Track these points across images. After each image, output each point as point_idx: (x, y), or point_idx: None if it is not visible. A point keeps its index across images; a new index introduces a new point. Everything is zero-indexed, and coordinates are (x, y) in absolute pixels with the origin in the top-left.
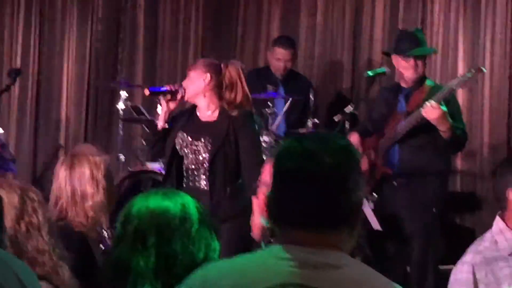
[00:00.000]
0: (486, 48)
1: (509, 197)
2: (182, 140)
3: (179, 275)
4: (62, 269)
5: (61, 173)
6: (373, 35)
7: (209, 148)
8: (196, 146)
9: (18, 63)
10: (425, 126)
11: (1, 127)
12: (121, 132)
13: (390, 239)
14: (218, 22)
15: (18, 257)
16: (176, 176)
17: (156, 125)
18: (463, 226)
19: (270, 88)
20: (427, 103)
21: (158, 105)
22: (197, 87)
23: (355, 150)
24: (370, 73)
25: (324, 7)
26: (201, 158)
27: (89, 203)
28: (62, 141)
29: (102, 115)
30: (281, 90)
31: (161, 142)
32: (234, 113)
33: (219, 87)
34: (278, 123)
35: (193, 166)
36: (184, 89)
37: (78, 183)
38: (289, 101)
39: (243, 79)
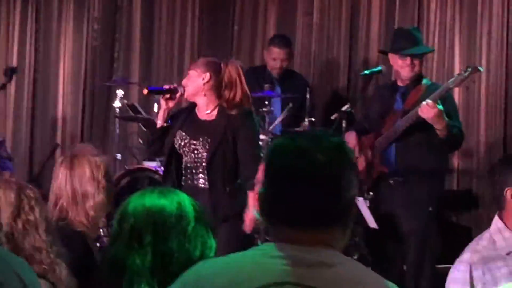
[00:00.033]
0: (482, 47)
1: (508, 196)
2: (180, 138)
3: (175, 273)
4: (59, 267)
5: (61, 173)
6: (369, 34)
7: (207, 147)
8: (195, 145)
9: (14, 61)
10: (422, 125)
11: None
12: (117, 130)
13: (386, 237)
14: (215, 20)
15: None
16: (176, 175)
17: (154, 124)
18: (460, 224)
19: (266, 87)
20: (423, 102)
21: (155, 104)
22: (196, 85)
23: (348, 148)
24: (366, 72)
25: (321, 6)
26: (199, 156)
27: (90, 203)
28: (58, 140)
29: (98, 114)
30: (278, 89)
31: (159, 141)
32: (233, 112)
33: (218, 86)
34: (275, 125)
35: (191, 165)
36: (184, 88)
37: (79, 183)
38: (286, 109)
39: (243, 78)
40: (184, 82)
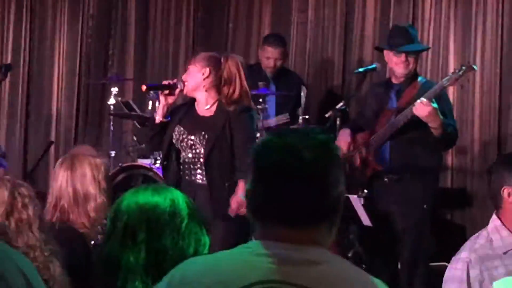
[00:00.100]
0: (477, 45)
1: (505, 195)
2: (178, 133)
3: (169, 270)
4: (53, 265)
5: (61, 174)
6: (364, 32)
7: (205, 143)
8: (192, 140)
9: (9, 58)
10: (416, 123)
11: None
12: (111, 127)
13: (380, 235)
14: (210, 18)
15: None
16: (177, 170)
17: (148, 121)
18: (454, 222)
19: (261, 84)
20: (418, 100)
21: (150, 101)
22: (196, 81)
23: (335, 145)
24: (360, 70)
25: (315, 4)
26: (197, 152)
27: (91, 204)
28: (53, 137)
29: (93, 111)
30: (272, 87)
31: (159, 136)
32: (231, 108)
33: (218, 82)
34: (268, 125)
35: (189, 160)
36: (183, 83)
37: (80, 184)
38: (284, 118)
39: (243, 74)
40: (184, 77)
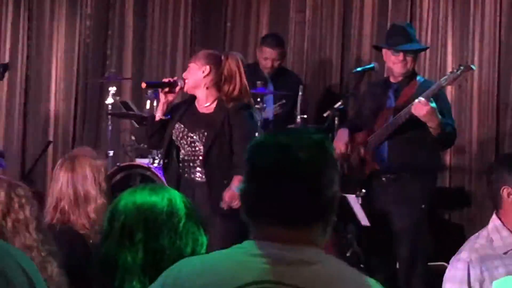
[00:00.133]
0: (475, 45)
1: (504, 195)
2: (178, 131)
3: None
4: (51, 265)
5: (61, 176)
6: (362, 32)
7: (204, 141)
8: (192, 137)
9: (6, 58)
10: (415, 122)
11: None
12: (109, 127)
13: (378, 235)
14: (207, 16)
15: None
16: (178, 167)
17: (152, 117)
18: (452, 222)
19: (259, 84)
20: (416, 100)
21: (148, 101)
22: (196, 78)
23: (329, 145)
24: (358, 69)
25: (313, 3)
26: (196, 150)
27: (92, 205)
28: (51, 136)
29: (91, 110)
30: (270, 86)
31: (159, 134)
32: (231, 105)
33: (218, 79)
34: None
35: (188, 158)
36: (184, 81)
37: (81, 185)
38: (278, 104)
39: (243, 71)
40: (184, 74)
